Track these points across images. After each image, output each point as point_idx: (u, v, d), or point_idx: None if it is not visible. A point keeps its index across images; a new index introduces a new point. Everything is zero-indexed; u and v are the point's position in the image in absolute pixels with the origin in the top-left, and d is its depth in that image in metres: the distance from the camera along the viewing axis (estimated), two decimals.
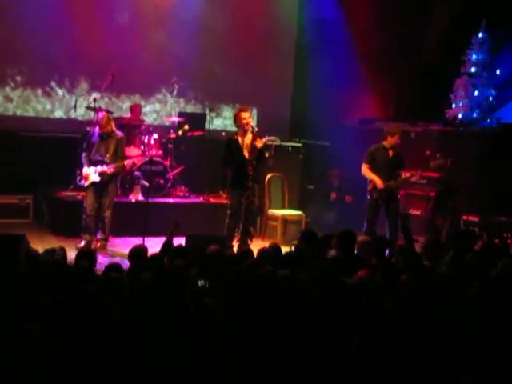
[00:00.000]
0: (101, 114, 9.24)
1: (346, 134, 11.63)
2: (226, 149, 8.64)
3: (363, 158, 9.15)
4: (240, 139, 8.56)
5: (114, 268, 5.01)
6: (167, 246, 6.11)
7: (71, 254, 5.80)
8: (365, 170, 9.08)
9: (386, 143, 9.02)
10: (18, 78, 11.22)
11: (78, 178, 9.48)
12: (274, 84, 12.59)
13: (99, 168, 8.91)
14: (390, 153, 9.02)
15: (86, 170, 8.96)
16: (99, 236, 9.05)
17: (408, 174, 9.10)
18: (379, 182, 8.89)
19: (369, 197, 9.04)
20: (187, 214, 10.04)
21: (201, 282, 4.78)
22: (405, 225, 6.81)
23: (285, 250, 6.72)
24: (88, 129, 9.76)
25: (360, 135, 11.55)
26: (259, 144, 8.49)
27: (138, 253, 5.73)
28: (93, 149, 8.97)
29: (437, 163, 9.84)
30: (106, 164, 8.92)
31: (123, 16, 11.59)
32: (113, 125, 9.05)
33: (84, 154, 9.06)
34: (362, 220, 9.19)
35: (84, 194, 9.20)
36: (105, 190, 8.99)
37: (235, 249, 8.12)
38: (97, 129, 9.05)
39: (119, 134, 9.11)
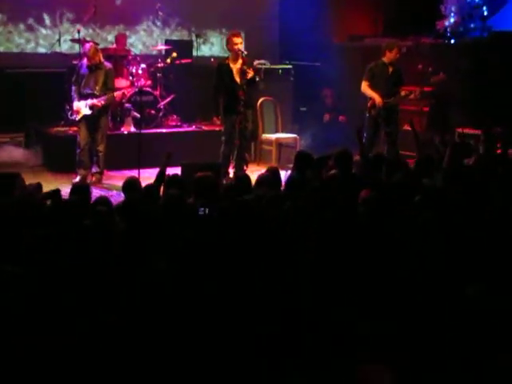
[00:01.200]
0: (87, 45, 8.96)
1: (336, 53, 11.47)
2: (217, 74, 8.50)
3: (362, 75, 9.00)
4: (231, 64, 8.40)
5: (101, 202, 5.00)
6: (161, 176, 6.05)
7: (66, 190, 5.79)
8: (364, 87, 8.94)
9: (385, 59, 8.88)
10: None
11: (69, 113, 9.29)
12: (260, 6, 12.31)
13: (89, 101, 8.72)
14: (390, 69, 8.91)
15: (76, 103, 8.78)
16: (94, 170, 8.97)
17: (407, 91, 9.01)
18: (378, 100, 8.78)
19: (367, 114, 8.94)
20: (181, 144, 9.97)
21: (201, 210, 4.73)
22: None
23: (281, 173, 6.71)
24: (75, 62, 9.54)
25: (350, 53, 11.43)
26: (250, 73, 8.34)
27: (131, 185, 5.72)
28: (82, 82, 8.78)
29: (437, 78, 9.68)
30: (96, 97, 8.75)
31: None
32: (100, 55, 8.85)
33: (74, 88, 8.86)
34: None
35: (76, 128, 9.10)
36: (97, 124, 8.84)
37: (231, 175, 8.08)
38: (84, 61, 8.85)
39: (108, 65, 8.93)
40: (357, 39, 12.07)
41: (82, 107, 8.74)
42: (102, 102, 8.78)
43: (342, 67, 10.99)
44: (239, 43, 8.39)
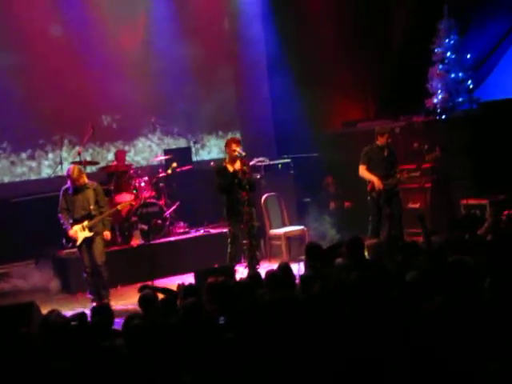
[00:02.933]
0: (70, 168, 8.61)
1: (332, 141, 11.68)
2: (218, 175, 8.61)
3: (359, 159, 9.18)
4: (229, 167, 8.56)
5: (135, 317, 5.00)
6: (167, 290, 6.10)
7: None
8: (362, 170, 9.11)
9: (378, 143, 9.10)
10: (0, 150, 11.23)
11: (65, 241, 8.71)
12: (253, 106, 12.71)
13: (87, 223, 8.40)
14: (385, 151, 9.09)
15: (72, 231, 8.38)
16: (100, 293, 8.53)
17: (403, 174, 9.17)
18: (378, 182, 8.94)
19: (369, 198, 9.07)
20: (191, 249, 10.14)
21: (221, 319, 4.73)
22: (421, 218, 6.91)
23: (293, 266, 6.73)
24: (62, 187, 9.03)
25: (345, 139, 11.63)
26: (248, 173, 8.49)
27: (147, 300, 5.65)
28: (71, 206, 8.44)
29: (432, 155, 9.85)
30: (93, 216, 8.43)
31: None
32: (85, 176, 8.53)
33: (62, 216, 8.48)
34: (365, 224, 9.21)
35: (78, 252, 8.65)
36: (94, 244, 8.46)
37: (241, 275, 8.03)
38: (69, 184, 8.48)
39: (94, 183, 8.63)
40: (350, 125, 12.31)
41: (79, 231, 8.40)
42: (105, 217, 8.49)
43: (339, 154, 11.20)
44: (238, 149, 8.54)
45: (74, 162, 10.61)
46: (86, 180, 8.50)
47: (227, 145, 8.67)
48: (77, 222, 8.43)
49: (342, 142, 11.58)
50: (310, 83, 11.86)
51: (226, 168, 8.56)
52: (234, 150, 8.49)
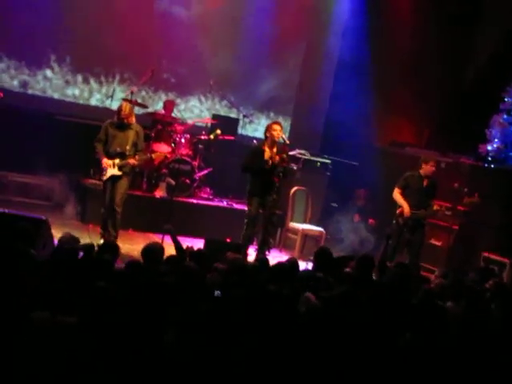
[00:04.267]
0: (123, 103, 8.77)
1: (376, 156, 11.64)
2: (251, 155, 8.64)
3: (396, 181, 9.18)
4: (267, 150, 8.57)
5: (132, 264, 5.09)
6: (180, 251, 6.14)
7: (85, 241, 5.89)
8: (396, 194, 9.11)
9: (421, 171, 9.05)
10: (60, 63, 11.35)
11: (92, 171, 8.96)
12: (311, 99, 12.72)
13: (118, 161, 8.46)
14: (425, 182, 9.06)
15: (106, 161, 8.44)
16: (108, 234, 8.56)
17: (438, 207, 9.13)
18: (407, 210, 8.93)
19: (394, 221, 9.07)
20: (208, 217, 10.22)
21: (217, 292, 4.78)
22: None
23: (301, 264, 6.78)
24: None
25: (390, 158, 11.57)
26: (286, 157, 8.50)
27: (152, 252, 5.63)
28: (110, 141, 8.51)
29: (471, 200, 9.77)
30: (126, 157, 8.47)
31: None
32: (134, 116, 8.60)
33: (97, 145, 8.51)
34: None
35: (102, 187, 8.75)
36: (119, 184, 8.50)
37: (251, 258, 8.14)
38: (115, 118, 8.55)
39: (138, 125, 8.66)
40: (399, 146, 12.24)
41: (111, 166, 8.46)
42: (135, 162, 8.59)
43: (379, 171, 11.15)
44: (278, 130, 8.56)
45: (125, 99, 10.70)
46: (133, 120, 8.58)
47: (270, 128, 8.67)
48: (109, 157, 8.50)
49: (386, 160, 11.51)
50: (374, 92, 11.78)
51: (263, 151, 8.56)
52: (275, 131, 8.51)
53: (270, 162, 8.44)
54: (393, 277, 5.87)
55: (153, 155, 9.08)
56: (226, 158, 11.30)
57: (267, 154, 8.51)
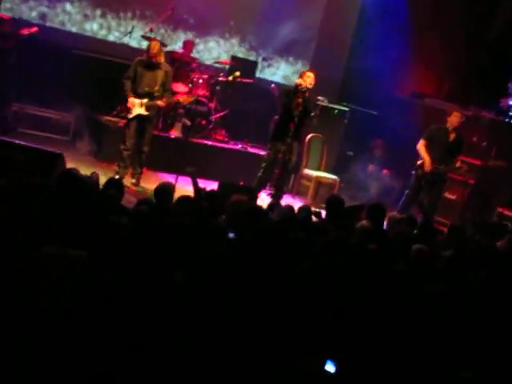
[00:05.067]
0: (153, 42, 8.81)
1: (396, 106, 11.54)
2: (287, 96, 8.65)
3: (418, 133, 9.11)
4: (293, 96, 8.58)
5: (144, 202, 5.13)
6: (198, 194, 6.18)
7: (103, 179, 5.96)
8: (420, 146, 9.02)
9: (449, 124, 8.92)
10: None
11: (119, 108, 8.99)
12: (331, 44, 12.51)
13: (146, 101, 8.55)
14: (451, 136, 8.96)
15: (133, 100, 8.53)
16: (134, 171, 8.84)
17: (461, 164, 9.07)
18: (428, 163, 8.87)
19: (413, 172, 9.03)
20: (223, 159, 10.23)
21: (231, 235, 4.83)
22: None
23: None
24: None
25: (409, 109, 11.46)
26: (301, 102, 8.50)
27: (164, 192, 5.71)
28: (138, 80, 8.56)
29: (496, 164, 9.71)
30: (154, 97, 8.56)
31: None
32: (163, 55, 8.68)
33: (125, 83, 8.58)
34: (398, 195, 9.22)
35: (125, 123, 8.90)
36: (147, 125, 8.67)
37: (263, 202, 8.19)
38: (144, 56, 8.64)
39: (167, 65, 8.76)
40: (419, 97, 12.13)
41: (138, 106, 8.54)
42: (163, 104, 8.71)
43: (398, 121, 11.08)
44: (311, 78, 8.62)
45: (143, 37, 10.66)
46: (162, 59, 8.61)
47: (303, 74, 8.76)
48: (137, 96, 8.55)
49: (406, 111, 11.41)
50: (398, 39, 11.59)
51: (293, 94, 8.59)
52: (309, 77, 8.58)
53: (295, 104, 8.42)
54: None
55: (180, 99, 9.19)
56: (243, 101, 11.24)
57: (296, 102, 8.53)
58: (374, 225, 6.08)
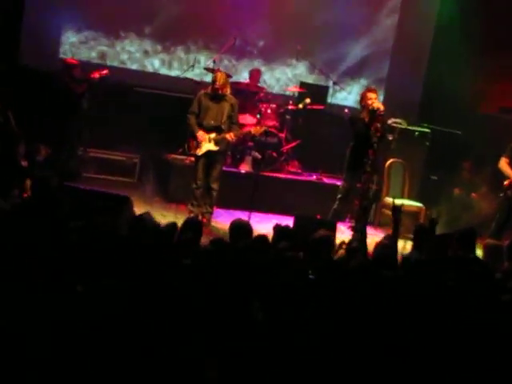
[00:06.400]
0: (218, 73, 8.82)
1: (482, 124, 11.28)
2: (354, 123, 8.60)
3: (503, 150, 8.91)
4: (366, 120, 8.50)
5: (217, 242, 5.14)
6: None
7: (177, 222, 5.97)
8: (502, 163, 8.85)
9: None
10: (139, 34, 11.58)
11: (186, 146, 8.93)
12: (406, 62, 12.42)
13: (214, 135, 8.60)
14: None
15: (202, 134, 8.57)
16: (205, 210, 8.86)
17: None
18: None
19: (502, 194, 8.85)
20: (297, 192, 10.21)
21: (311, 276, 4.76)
22: None
23: (400, 243, 6.70)
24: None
25: (499, 126, 11.16)
26: (380, 127, 8.41)
27: (240, 229, 5.78)
28: (203, 113, 8.62)
29: None
30: (222, 131, 8.61)
31: None
32: (229, 87, 8.75)
33: (192, 117, 8.66)
34: (488, 220, 9.00)
35: (193, 160, 8.95)
36: (216, 160, 8.72)
37: (341, 234, 8.12)
38: (209, 89, 8.69)
39: (232, 97, 8.75)
40: (508, 112, 11.85)
41: (206, 141, 8.61)
42: (233, 138, 8.71)
43: (486, 140, 10.83)
44: (373, 98, 8.49)
45: (206, 69, 10.80)
46: (228, 91, 8.66)
47: (363, 96, 8.64)
48: (204, 131, 8.60)
49: (494, 128, 11.15)
50: (478, 54, 11.42)
51: (363, 119, 8.51)
52: (370, 99, 8.44)
53: (372, 129, 8.37)
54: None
55: (252, 130, 9.16)
56: (316, 129, 11.25)
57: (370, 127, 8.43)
58: (466, 253, 5.95)
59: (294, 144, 10.78)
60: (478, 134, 11.02)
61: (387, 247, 5.89)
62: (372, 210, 10.20)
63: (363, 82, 12.67)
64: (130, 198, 6.69)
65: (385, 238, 6.52)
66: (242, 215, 8.51)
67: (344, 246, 6.16)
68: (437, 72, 12.00)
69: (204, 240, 5.52)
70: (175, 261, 4.53)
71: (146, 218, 5.42)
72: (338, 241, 6.59)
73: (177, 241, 5.17)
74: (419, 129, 11.13)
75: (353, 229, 8.63)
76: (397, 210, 6.58)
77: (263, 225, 8.46)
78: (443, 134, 11.37)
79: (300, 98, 11.09)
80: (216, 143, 8.61)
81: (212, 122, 8.61)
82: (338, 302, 4.39)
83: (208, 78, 10.27)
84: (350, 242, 6.66)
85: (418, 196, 10.76)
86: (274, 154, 10.51)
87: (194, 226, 5.56)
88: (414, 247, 6.46)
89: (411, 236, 7.03)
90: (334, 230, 7.25)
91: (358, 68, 12.58)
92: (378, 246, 5.91)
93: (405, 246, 7.73)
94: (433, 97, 12.06)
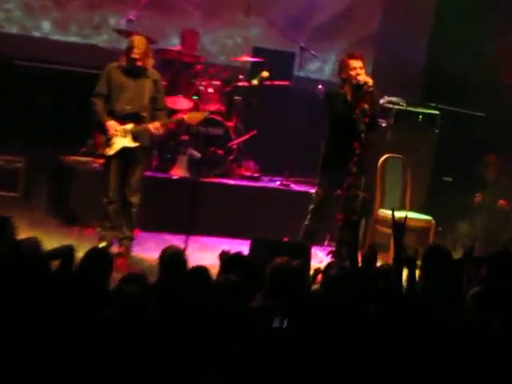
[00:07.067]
0: (134, 36, 8.78)
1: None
2: (331, 101, 8.64)
3: None
4: (348, 97, 8.55)
5: (134, 279, 5.11)
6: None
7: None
8: None
9: None
10: None
11: (90, 143, 8.83)
12: (403, 14, 12.45)
13: (132, 126, 8.50)
14: None
15: (113, 124, 8.43)
16: (122, 235, 8.75)
17: None
18: None
19: None
20: (255, 206, 10.24)
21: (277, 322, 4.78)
22: None
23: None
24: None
25: None
26: (368, 108, 8.46)
27: (173, 261, 5.78)
28: (114, 94, 8.57)
29: None
30: (143, 119, 8.52)
31: None
32: (151, 57, 8.69)
33: (98, 102, 8.56)
34: None
35: (103, 164, 8.85)
36: (135, 162, 8.63)
37: (318, 262, 8.15)
38: (122, 61, 8.59)
39: (156, 72, 8.76)
40: None
41: (121, 135, 8.51)
42: (159, 130, 8.61)
43: None
44: (358, 68, 8.52)
45: (118, 31, 10.72)
46: (150, 63, 8.63)
47: (342, 65, 8.67)
48: (116, 119, 8.54)
49: None
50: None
51: (344, 95, 8.56)
52: (354, 69, 8.47)
53: (359, 111, 8.43)
54: None
55: (185, 116, 9.14)
56: (278, 115, 11.36)
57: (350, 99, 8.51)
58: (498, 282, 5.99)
59: (247, 136, 10.81)
60: (506, 114, 11.15)
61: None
62: (361, 227, 10.26)
63: (343, 44, 12.73)
64: (11, 219, 6.59)
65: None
66: (176, 240, 8.55)
67: (319, 278, 6.14)
68: (446, 30, 12.10)
69: (118, 276, 5.48)
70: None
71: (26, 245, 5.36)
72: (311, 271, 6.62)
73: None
74: (424, 110, 11.23)
75: (334, 255, 8.62)
76: (397, 226, 6.56)
77: (206, 253, 8.54)
78: (458, 116, 11.53)
79: (254, 70, 11.18)
80: (134, 138, 8.55)
81: (128, 107, 8.56)
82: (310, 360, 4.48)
83: (122, 46, 10.05)
84: (328, 268, 6.62)
85: (426, 206, 10.88)
86: (220, 152, 10.51)
87: (101, 258, 5.50)
88: (424, 277, 6.47)
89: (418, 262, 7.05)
90: (306, 256, 7.32)
91: (336, 25, 12.64)
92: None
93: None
94: (442, 67, 12.14)
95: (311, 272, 6.53)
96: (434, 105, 11.47)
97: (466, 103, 11.71)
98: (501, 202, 11.13)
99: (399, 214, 10.16)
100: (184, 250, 6.84)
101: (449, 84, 11.78)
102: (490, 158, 11.33)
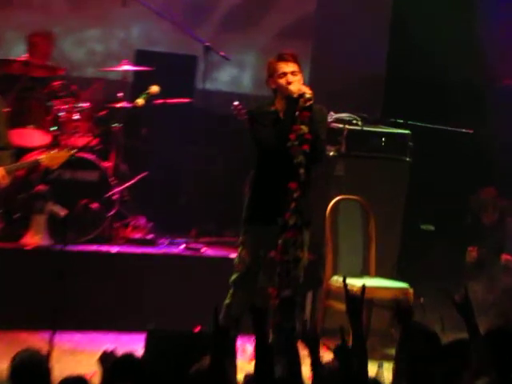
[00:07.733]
0: None
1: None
2: (256, 123, 8.66)
3: None
4: (280, 114, 8.62)
5: None
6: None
7: None
8: None
9: None
10: None
11: None
12: (357, 15, 12.69)
13: None
14: None
15: None
16: None
17: None
18: None
19: None
20: (151, 281, 10.18)
21: None
22: None
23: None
24: None
25: None
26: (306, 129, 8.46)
27: (29, 369, 5.70)
28: None
29: None
30: None
31: None
32: None
33: None
34: None
35: None
36: None
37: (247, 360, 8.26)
38: None
39: None
40: None
41: None
42: (4, 179, 9.01)
43: None
44: (289, 73, 8.54)
45: None
46: None
47: (273, 69, 8.66)
48: None
49: None
50: None
51: (275, 114, 8.62)
52: (285, 75, 8.50)
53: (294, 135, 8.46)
54: None
55: (41, 158, 9.30)
56: (177, 147, 11.47)
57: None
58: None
59: (134, 181, 10.84)
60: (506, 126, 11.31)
61: None
62: (307, 304, 10.24)
63: (265, 38, 12.88)
64: None
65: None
66: (36, 340, 8.60)
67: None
68: (410, 28, 12.31)
69: None
70: None
71: None
72: (240, 375, 6.64)
73: None
74: (389, 130, 11.28)
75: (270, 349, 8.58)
76: (355, 301, 6.50)
77: (81, 357, 8.66)
78: (437, 134, 11.59)
79: (139, 85, 11.22)
80: None
81: None
82: None
83: None
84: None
85: (399, 268, 10.96)
86: (95, 206, 10.51)
87: None
88: (396, 375, 6.41)
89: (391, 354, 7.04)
90: (229, 351, 7.19)
91: (253, 10, 12.74)
92: None
93: (379, 372, 7.70)
94: (407, 69, 12.32)
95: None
96: (401, 121, 11.50)
97: (446, 117, 11.80)
98: (504, 257, 11.21)
99: (359, 282, 10.24)
100: (47, 353, 6.89)
101: (421, 90, 11.91)
102: (487, 195, 11.41)
